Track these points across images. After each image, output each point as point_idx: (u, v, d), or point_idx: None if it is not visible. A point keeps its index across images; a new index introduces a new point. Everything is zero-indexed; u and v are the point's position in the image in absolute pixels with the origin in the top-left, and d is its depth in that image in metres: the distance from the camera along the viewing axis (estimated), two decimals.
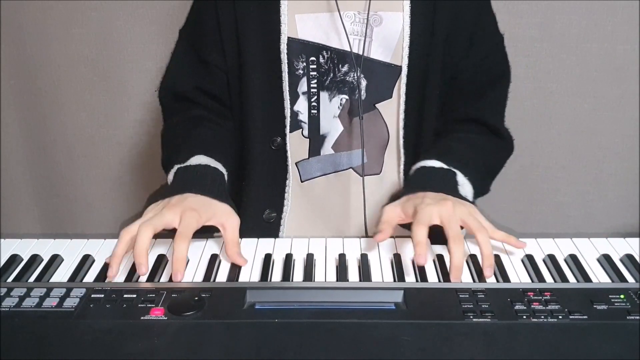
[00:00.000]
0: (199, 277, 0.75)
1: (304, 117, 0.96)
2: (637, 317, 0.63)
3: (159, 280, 0.75)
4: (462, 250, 0.74)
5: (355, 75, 0.93)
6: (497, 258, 0.78)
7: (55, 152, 1.45)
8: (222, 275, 0.76)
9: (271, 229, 0.99)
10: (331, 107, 0.95)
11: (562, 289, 0.69)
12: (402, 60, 0.92)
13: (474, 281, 0.74)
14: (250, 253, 0.80)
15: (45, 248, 0.82)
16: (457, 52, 0.95)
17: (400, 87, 0.93)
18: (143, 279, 0.73)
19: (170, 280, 0.73)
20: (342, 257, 0.78)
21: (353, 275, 0.76)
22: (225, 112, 1.00)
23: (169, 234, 0.78)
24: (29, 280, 0.75)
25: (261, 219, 1.00)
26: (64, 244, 0.83)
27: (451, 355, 0.58)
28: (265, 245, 0.83)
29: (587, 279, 0.74)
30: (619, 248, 0.81)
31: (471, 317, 0.63)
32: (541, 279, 0.74)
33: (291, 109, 0.94)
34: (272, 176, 0.99)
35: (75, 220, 1.52)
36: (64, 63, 1.35)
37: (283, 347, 0.59)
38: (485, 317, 0.63)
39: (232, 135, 0.99)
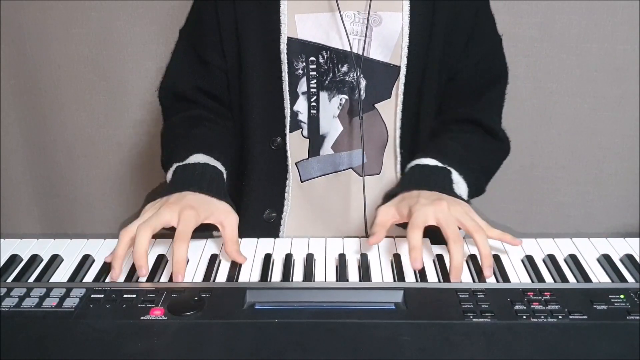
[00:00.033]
0: (199, 277, 0.75)
1: (303, 117, 0.96)
2: (637, 317, 0.63)
3: (158, 280, 0.75)
4: (462, 252, 0.74)
5: (354, 75, 0.93)
6: (497, 258, 0.78)
7: (55, 152, 1.45)
8: (221, 275, 0.76)
9: (271, 229, 1.00)
10: (331, 107, 0.95)
11: (562, 289, 0.69)
12: (401, 60, 0.92)
13: (473, 281, 0.74)
14: (250, 253, 0.80)
15: (45, 248, 0.82)
16: (456, 52, 0.95)
17: (399, 87, 0.93)
18: (143, 279, 0.73)
19: (170, 280, 0.73)
20: (342, 257, 0.78)
21: (353, 275, 0.76)
22: (225, 112, 1.00)
23: (168, 233, 0.78)
24: (28, 281, 0.75)
25: (261, 219, 1.00)
26: (63, 244, 0.83)
27: (451, 355, 0.58)
28: (265, 245, 0.83)
29: (587, 279, 0.74)
30: (618, 248, 0.81)
31: (471, 317, 0.63)
32: (541, 279, 0.74)
33: (291, 109, 0.94)
34: (272, 176, 0.99)
35: (75, 220, 1.52)
36: (64, 63, 1.35)
37: (283, 347, 0.59)
38: (485, 317, 0.63)
39: (231, 135, 0.99)
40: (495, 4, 0.98)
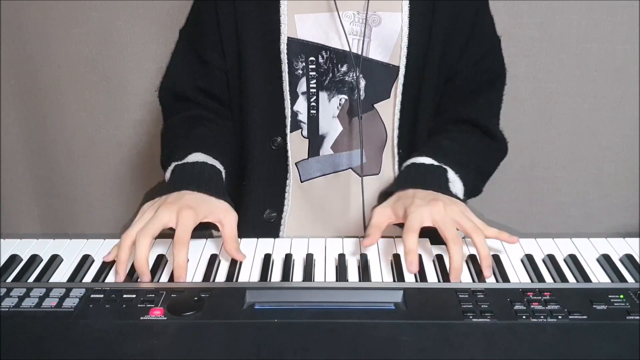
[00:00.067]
0: (199, 277, 0.75)
1: (303, 117, 0.96)
2: (637, 317, 0.63)
3: (158, 281, 0.75)
4: (462, 252, 0.74)
5: (354, 75, 0.93)
6: (497, 258, 0.78)
7: (55, 152, 1.45)
8: (221, 275, 0.76)
9: (271, 229, 1.00)
10: (330, 107, 0.95)
11: (562, 289, 0.69)
12: (400, 60, 0.92)
13: (473, 281, 0.74)
14: (250, 253, 0.80)
15: (44, 248, 0.82)
16: (454, 52, 0.95)
17: (397, 87, 0.93)
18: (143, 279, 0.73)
19: (170, 280, 0.73)
20: (341, 257, 0.78)
21: (353, 275, 0.76)
22: (225, 112, 1.00)
23: (168, 233, 0.78)
24: (28, 281, 0.75)
25: (261, 218, 1.00)
26: (63, 244, 0.83)
27: (451, 355, 0.58)
28: (264, 245, 0.83)
29: (586, 279, 0.74)
30: (618, 248, 0.81)
31: (471, 317, 0.63)
32: (541, 279, 0.74)
33: (291, 109, 0.94)
34: (273, 176, 0.99)
35: (75, 220, 1.52)
36: (64, 63, 1.35)
37: (283, 347, 0.59)
38: (485, 317, 0.63)
39: (231, 134, 0.99)
40: (495, 4, 0.98)
